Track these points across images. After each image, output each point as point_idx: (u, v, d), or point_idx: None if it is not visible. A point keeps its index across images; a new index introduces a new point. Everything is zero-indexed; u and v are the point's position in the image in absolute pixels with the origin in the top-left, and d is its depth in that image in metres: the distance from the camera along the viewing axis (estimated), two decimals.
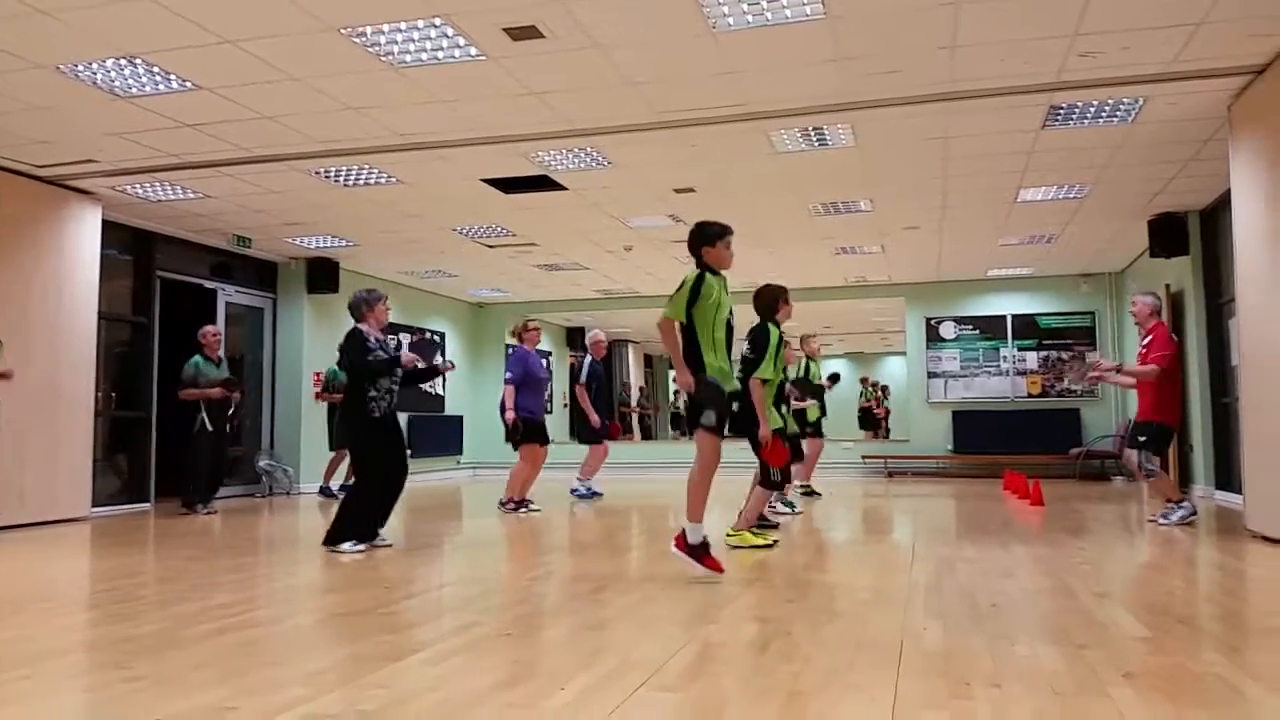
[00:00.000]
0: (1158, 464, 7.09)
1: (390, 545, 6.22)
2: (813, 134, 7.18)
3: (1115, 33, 5.45)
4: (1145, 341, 7.15)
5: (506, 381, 8.71)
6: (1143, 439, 7.03)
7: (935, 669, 3.00)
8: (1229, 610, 4.12)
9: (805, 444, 9.70)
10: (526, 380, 8.69)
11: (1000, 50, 5.70)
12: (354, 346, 6.10)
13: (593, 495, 10.06)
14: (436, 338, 14.80)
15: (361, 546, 6.02)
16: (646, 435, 21.99)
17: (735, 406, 5.23)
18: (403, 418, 13.28)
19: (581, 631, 3.66)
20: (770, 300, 6.59)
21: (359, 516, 6.13)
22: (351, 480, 7.03)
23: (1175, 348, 7.13)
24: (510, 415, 8.54)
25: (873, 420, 21.10)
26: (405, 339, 13.65)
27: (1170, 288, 10.35)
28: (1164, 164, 8.04)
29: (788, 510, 8.05)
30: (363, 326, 6.19)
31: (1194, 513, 7.13)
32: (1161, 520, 7.09)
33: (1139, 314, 7.23)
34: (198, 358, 8.96)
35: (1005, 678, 2.88)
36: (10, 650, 3.42)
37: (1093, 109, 6.67)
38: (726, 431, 4.93)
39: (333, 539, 6.05)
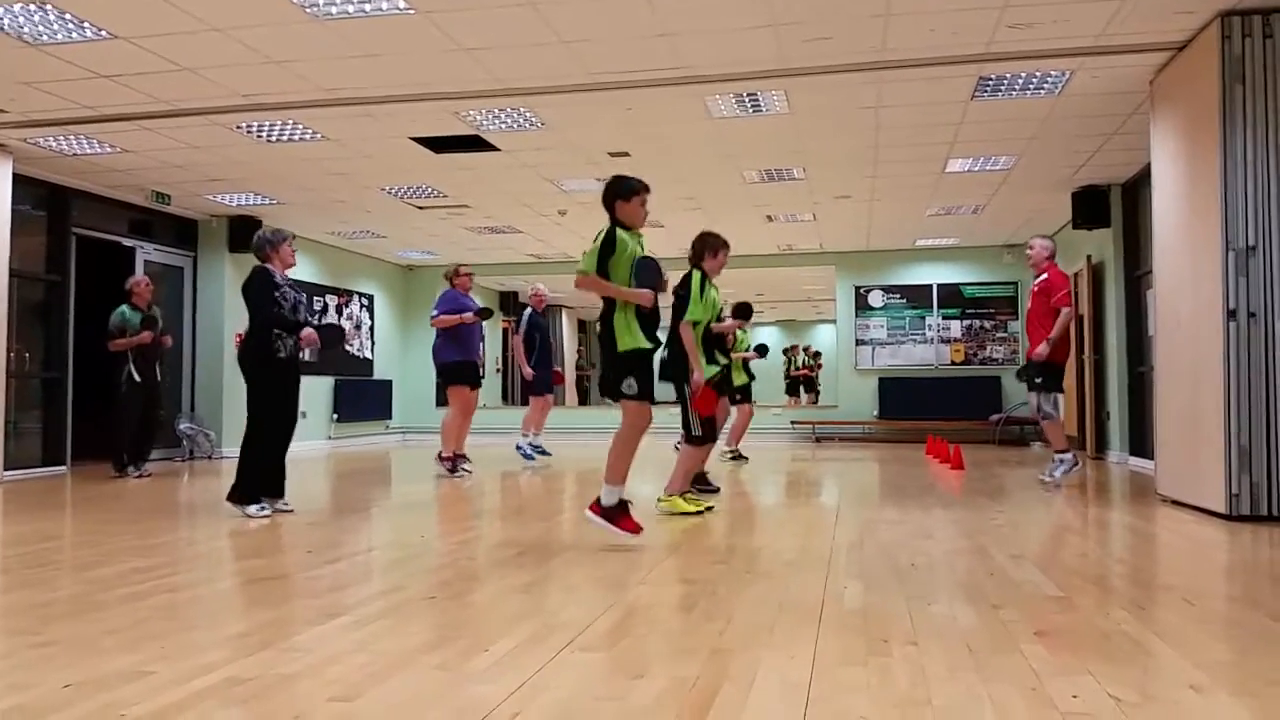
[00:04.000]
0: (1055, 404, 7.32)
1: (292, 510, 6.02)
2: (748, 100, 7.17)
3: (1044, 5, 5.53)
4: (1040, 280, 7.36)
5: (434, 320, 8.46)
6: (1039, 380, 7.26)
7: (854, 627, 3.06)
8: (1137, 570, 4.27)
9: (734, 410, 9.77)
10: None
11: (932, 20, 5.74)
12: (259, 285, 5.81)
13: (539, 453, 9.84)
14: (364, 300, 14.56)
15: (267, 511, 5.82)
16: (584, 400, 21.96)
17: (660, 361, 5.06)
18: (329, 382, 13.42)
19: (508, 594, 3.66)
20: (700, 246, 6.39)
21: (261, 469, 5.88)
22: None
23: (1069, 284, 7.41)
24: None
25: (804, 384, 21.37)
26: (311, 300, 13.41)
27: (1092, 259, 10.62)
28: (1088, 137, 8.21)
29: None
30: (269, 266, 5.94)
31: (1076, 464, 7.40)
32: (1047, 478, 7.35)
33: (1036, 256, 7.45)
34: (124, 307, 8.69)
35: (922, 635, 2.95)
36: None
37: (1020, 81, 6.77)
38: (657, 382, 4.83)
39: (237, 495, 5.85)
